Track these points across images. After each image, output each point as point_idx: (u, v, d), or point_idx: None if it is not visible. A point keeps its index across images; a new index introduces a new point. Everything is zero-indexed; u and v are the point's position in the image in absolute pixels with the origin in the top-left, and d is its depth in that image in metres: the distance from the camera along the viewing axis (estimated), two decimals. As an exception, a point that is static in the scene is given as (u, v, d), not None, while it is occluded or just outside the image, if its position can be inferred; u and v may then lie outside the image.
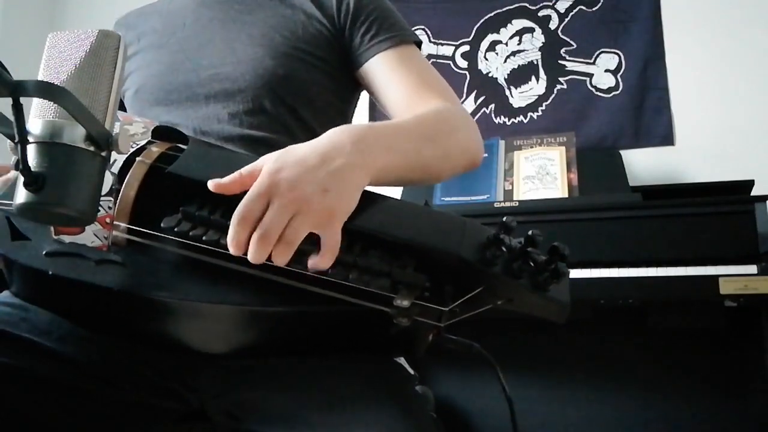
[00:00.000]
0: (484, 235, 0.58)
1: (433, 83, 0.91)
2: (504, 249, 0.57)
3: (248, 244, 0.57)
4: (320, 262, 0.59)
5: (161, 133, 0.72)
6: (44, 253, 0.63)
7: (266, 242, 0.57)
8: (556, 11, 2.33)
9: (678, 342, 1.83)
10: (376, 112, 2.30)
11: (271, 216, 0.57)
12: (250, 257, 0.58)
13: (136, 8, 1.05)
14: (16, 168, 0.51)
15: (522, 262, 0.57)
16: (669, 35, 2.18)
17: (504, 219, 0.56)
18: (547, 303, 0.59)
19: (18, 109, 0.51)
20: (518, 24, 2.37)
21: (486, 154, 2.01)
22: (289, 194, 0.57)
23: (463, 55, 2.41)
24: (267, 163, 0.60)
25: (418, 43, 0.94)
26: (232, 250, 0.58)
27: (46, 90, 0.52)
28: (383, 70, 0.90)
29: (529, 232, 0.56)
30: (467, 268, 0.58)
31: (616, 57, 2.23)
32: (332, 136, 0.65)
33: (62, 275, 0.62)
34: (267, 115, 0.88)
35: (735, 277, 1.47)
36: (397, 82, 0.89)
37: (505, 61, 2.36)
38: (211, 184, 0.60)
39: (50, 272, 0.62)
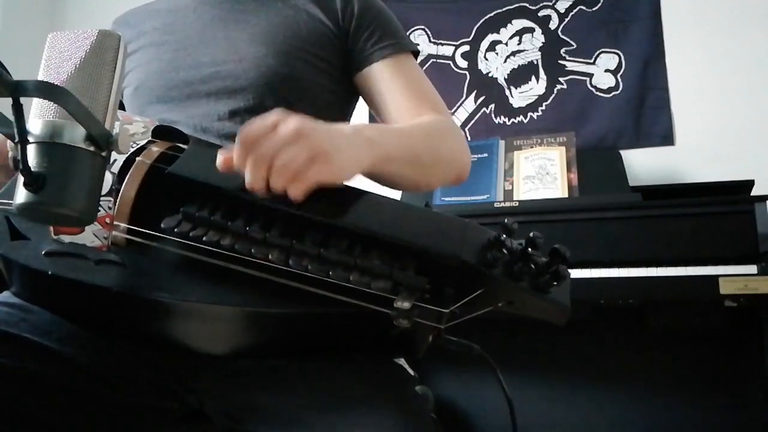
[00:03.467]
0: (484, 237, 0.58)
1: (428, 94, 0.94)
2: (505, 251, 0.57)
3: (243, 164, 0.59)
4: (294, 187, 0.59)
5: (161, 132, 0.72)
6: (44, 253, 0.63)
7: (259, 163, 0.58)
8: (556, 11, 2.33)
9: (678, 342, 1.83)
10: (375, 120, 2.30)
11: (271, 141, 0.59)
12: (246, 179, 0.59)
13: (135, 7, 1.06)
14: (16, 168, 0.51)
15: (523, 265, 0.56)
16: (669, 35, 2.18)
17: (505, 221, 0.56)
18: (547, 305, 0.59)
19: (18, 109, 0.51)
20: (518, 24, 2.37)
21: (486, 154, 2.02)
22: (294, 125, 0.59)
23: (463, 55, 2.41)
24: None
25: (416, 54, 0.97)
26: (234, 165, 0.60)
27: (46, 90, 0.51)
28: (382, 76, 0.93)
29: (530, 234, 0.56)
30: (468, 270, 0.58)
31: (616, 57, 2.23)
32: (335, 124, 0.68)
33: (61, 275, 0.62)
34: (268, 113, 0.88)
35: (735, 277, 1.47)
36: (394, 90, 0.92)
37: (505, 61, 2.36)
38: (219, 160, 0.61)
39: (49, 272, 0.62)
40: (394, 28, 0.96)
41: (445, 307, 0.59)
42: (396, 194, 2.03)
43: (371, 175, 0.78)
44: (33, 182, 0.51)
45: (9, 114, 0.52)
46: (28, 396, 0.63)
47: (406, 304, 0.56)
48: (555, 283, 0.57)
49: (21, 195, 0.52)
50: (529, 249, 0.56)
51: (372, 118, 2.21)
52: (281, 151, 0.58)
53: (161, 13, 1.02)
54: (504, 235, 0.56)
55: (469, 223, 0.60)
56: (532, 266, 0.56)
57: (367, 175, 0.76)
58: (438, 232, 0.59)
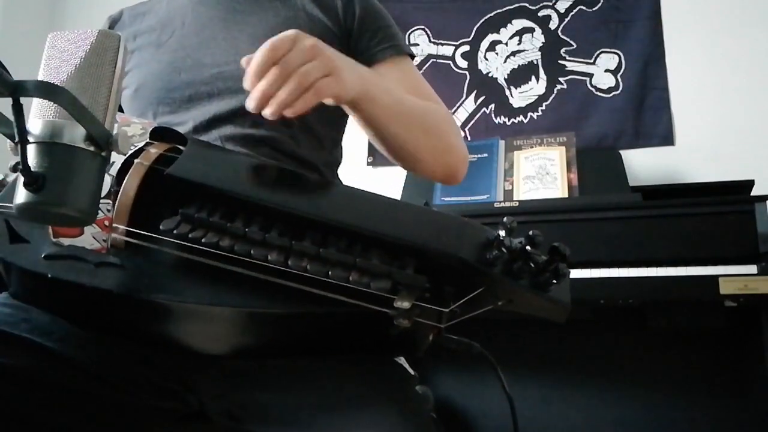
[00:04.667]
0: (484, 236, 0.58)
1: (429, 96, 0.96)
2: (504, 250, 0.56)
3: (264, 74, 0.66)
4: (305, 98, 0.67)
5: (159, 134, 0.72)
6: (43, 256, 0.63)
7: (284, 73, 0.65)
8: (556, 11, 2.33)
9: (678, 342, 1.83)
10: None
11: (293, 54, 0.66)
12: (264, 84, 0.66)
13: (130, 6, 1.05)
14: (16, 169, 0.51)
15: (522, 263, 0.56)
16: (669, 35, 2.18)
17: (504, 219, 0.56)
18: (547, 303, 0.59)
19: (18, 109, 0.51)
20: (518, 24, 2.37)
21: (486, 154, 2.02)
22: (310, 42, 0.68)
23: (463, 55, 2.41)
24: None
25: (412, 58, 0.99)
26: (251, 73, 0.67)
27: (46, 90, 0.51)
28: (385, 76, 0.93)
29: (530, 233, 0.56)
30: (467, 269, 0.57)
31: (616, 57, 2.23)
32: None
33: (61, 278, 0.62)
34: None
35: (735, 277, 1.47)
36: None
37: (505, 61, 2.36)
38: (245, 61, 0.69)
39: (49, 275, 0.62)
40: (394, 31, 0.97)
41: (445, 306, 0.59)
42: (396, 191, 2.04)
43: (360, 112, 0.83)
44: (33, 182, 0.51)
45: (9, 114, 0.52)
46: (28, 396, 0.63)
47: (406, 304, 0.56)
48: (555, 281, 0.57)
49: (21, 195, 0.52)
50: (529, 247, 0.56)
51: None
52: (302, 64, 0.66)
53: (157, 12, 1.02)
54: (503, 234, 0.56)
55: (468, 222, 0.60)
56: (532, 264, 0.56)
57: (356, 112, 0.83)
58: (437, 231, 0.59)
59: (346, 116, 1.01)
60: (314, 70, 0.67)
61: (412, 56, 0.99)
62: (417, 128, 0.88)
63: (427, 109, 0.91)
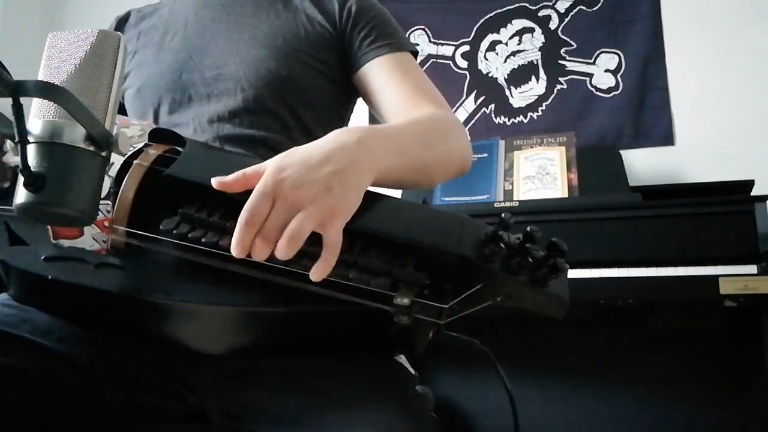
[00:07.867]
0: (482, 232, 0.58)
1: (426, 90, 0.93)
2: (502, 245, 0.57)
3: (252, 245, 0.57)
4: (322, 263, 0.58)
5: (158, 135, 0.72)
6: (43, 258, 0.63)
7: (268, 241, 0.57)
8: (556, 11, 2.33)
9: (678, 342, 1.83)
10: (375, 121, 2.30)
11: (275, 216, 0.57)
12: (253, 255, 0.57)
13: (137, 7, 1.06)
14: (16, 170, 0.51)
15: (520, 259, 0.57)
16: (669, 35, 2.18)
17: (502, 215, 0.56)
18: (545, 299, 0.59)
19: (18, 109, 0.51)
20: (518, 24, 2.37)
21: (486, 154, 2.02)
22: (293, 193, 0.57)
23: (463, 55, 2.41)
24: (271, 163, 0.60)
25: (415, 53, 0.97)
26: (235, 253, 0.57)
27: (46, 90, 0.52)
28: (380, 73, 0.92)
29: (527, 228, 0.56)
30: (466, 266, 0.58)
31: (616, 57, 2.23)
32: (336, 135, 0.65)
33: (62, 280, 0.62)
34: (268, 115, 0.88)
35: (735, 277, 1.47)
36: (392, 86, 0.91)
37: (505, 61, 2.36)
38: (215, 182, 0.60)
39: (50, 277, 0.62)
40: (392, 29, 0.96)
41: (445, 303, 0.59)
42: (395, 192, 2.03)
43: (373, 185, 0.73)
44: (33, 182, 0.51)
45: (9, 114, 0.52)
46: (29, 395, 0.63)
47: (406, 301, 0.57)
48: (553, 276, 0.57)
49: (21, 195, 0.52)
50: (527, 243, 0.56)
51: (372, 118, 2.22)
52: (287, 221, 0.57)
53: (162, 14, 1.02)
54: (501, 230, 0.56)
55: (466, 219, 0.61)
56: (530, 260, 0.56)
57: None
58: (436, 228, 0.60)
59: (344, 121, 1.01)
60: (307, 224, 0.56)
61: (415, 53, 0.97)
62: (429, 165, 0.81)
63: (431, 132, 0.83)
